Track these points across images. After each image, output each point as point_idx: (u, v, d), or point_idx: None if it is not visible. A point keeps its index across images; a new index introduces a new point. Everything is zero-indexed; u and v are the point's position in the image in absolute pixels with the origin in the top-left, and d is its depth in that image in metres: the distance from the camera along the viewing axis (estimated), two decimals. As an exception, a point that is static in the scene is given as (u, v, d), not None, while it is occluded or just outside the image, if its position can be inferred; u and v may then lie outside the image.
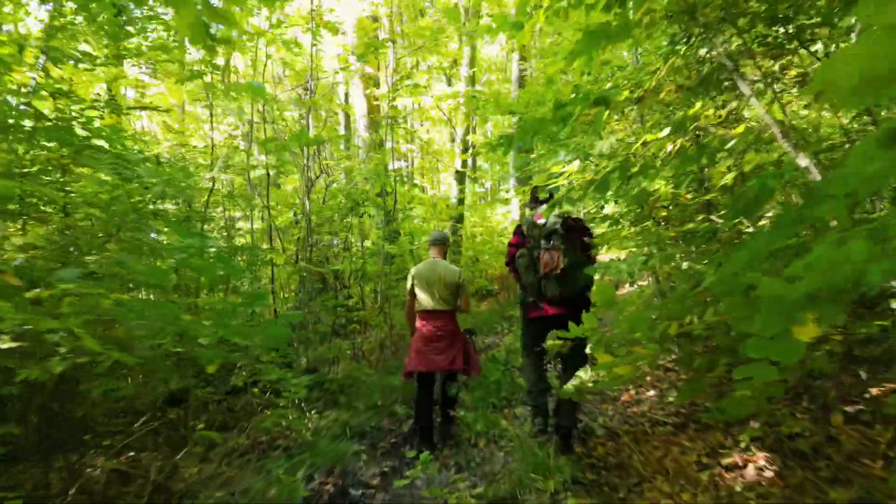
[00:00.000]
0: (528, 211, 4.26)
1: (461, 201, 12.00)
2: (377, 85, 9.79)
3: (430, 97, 11.74)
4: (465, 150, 12.22)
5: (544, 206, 4.01)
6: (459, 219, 12.19)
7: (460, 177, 12.16)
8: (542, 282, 3.90)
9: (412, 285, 4.66)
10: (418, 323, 4.63)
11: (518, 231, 4.23)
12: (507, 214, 14.20)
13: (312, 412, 5.25)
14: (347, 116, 12.16)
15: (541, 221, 3.95)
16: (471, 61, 11.68)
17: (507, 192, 13.21)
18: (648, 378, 5.39)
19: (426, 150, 13.97)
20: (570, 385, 3.07)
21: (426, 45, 9.39)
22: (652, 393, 4.99)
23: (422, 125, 13.21)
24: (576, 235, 3.90)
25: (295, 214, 6.80)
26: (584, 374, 3.20)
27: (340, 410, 5.23)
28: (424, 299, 4.59)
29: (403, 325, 8.59)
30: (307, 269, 5.14)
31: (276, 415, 4.79)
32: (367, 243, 7.78)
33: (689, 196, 3.53)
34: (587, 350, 2.52)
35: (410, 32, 9.43)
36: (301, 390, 5.06)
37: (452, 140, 12.93)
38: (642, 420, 4.41)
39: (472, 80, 11.70)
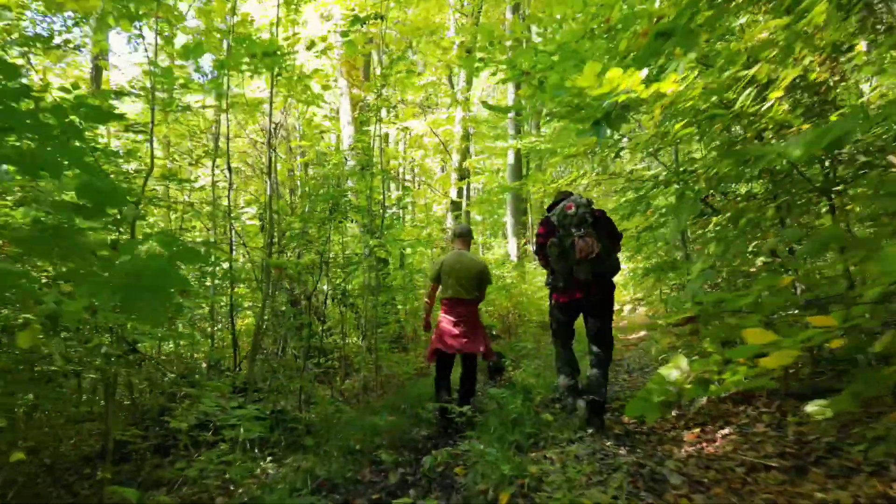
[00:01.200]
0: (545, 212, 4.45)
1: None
2: (363, 101, 8.79)
3: (423, 121, 10.81)
4: (461, 178, 11.17)
5: (569, 199, 4.15)
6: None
7: (456, 206, 11.06)
8: (573, 267, 4.01)
9: (437, 273, 4.99)
10: (442, 309, 4.96)
11: (545, 222, 4.31)
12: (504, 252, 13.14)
13: (268, 458, 3.88)
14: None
15: (571, 211, 4.03)
16: (468, 81, 10.81)
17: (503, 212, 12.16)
18: (712, 413, 4.11)
19: (418, 181, 12.96)
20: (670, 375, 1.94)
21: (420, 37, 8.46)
22: (727, 430, 3.70)
23: (414, 150, 12.22)
24: (602, 224, 4.09)
25: (261, 219, 5.60)
26: (680, 366, 1.99)
27: (306, 455, 3.87)
28: (449, 288, 4.90)
29: (391, 365, 7.41)
30: (267, 264, 3.89)
31: (214, 459, 3.43)
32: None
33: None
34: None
35: (403, 31, 8.52)
36: (254, 428, 3.73)
37: (443, 167, 11.93)
38: (729, 464, 3.12)
39: (467, 103, 10.80)
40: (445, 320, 4.88)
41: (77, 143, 1.51)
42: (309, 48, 3.70)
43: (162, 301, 1.48)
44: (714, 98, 2.43)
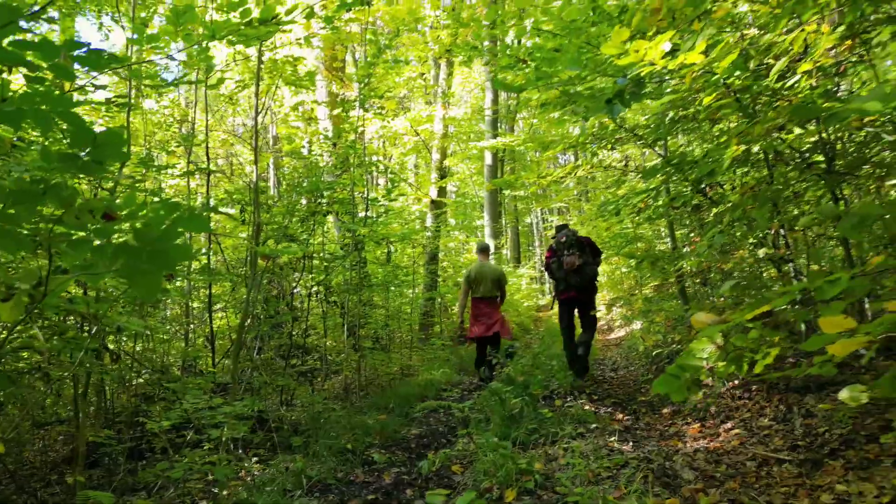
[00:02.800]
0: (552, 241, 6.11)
1: (437, 234, 10.66)
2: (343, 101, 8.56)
3: (403, 118, 10.64)
4: (441, 177, 11.01)
5: (563, 232, 5.89)
6: (434, 257, 10.76)
7: (436, 206, 10.89)
8: (566, 276, 5.74)
9: (467, 278, 6.59)
10: (472, 305, 6.63)
11: (550, 248, 6.03)
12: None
13: (253, 459, 3.67)
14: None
15: (563, 240, 5.79)
16: (447, 78, 10.69)
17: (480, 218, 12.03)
18: (713, 408, 4.03)
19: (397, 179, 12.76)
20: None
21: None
22: (729, 425, 3.62)
23: (393, 146, 12.04)
24: (586, 245, 5.81)
25: (243, 211, 5.37)
26: (715, 341, 1.90)
27: (293, 456, 3.67)
28: (477, 289, 6.53)
29: (374, 365, 7.27)
30: (254, 252, 3.68)
31: (197, 460, 3.21)
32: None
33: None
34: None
35: (388, 15, 8.31)
36: (240, 427, 3.51)
37: (416, 168, 11.76)
38: (739, 458, 3.04)
39: (446, 95, 10.68)
40: (474, 314, 6.55)
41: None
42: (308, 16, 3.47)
43: (162, 269, 1.32)
44: (752, 64, 2.33)
